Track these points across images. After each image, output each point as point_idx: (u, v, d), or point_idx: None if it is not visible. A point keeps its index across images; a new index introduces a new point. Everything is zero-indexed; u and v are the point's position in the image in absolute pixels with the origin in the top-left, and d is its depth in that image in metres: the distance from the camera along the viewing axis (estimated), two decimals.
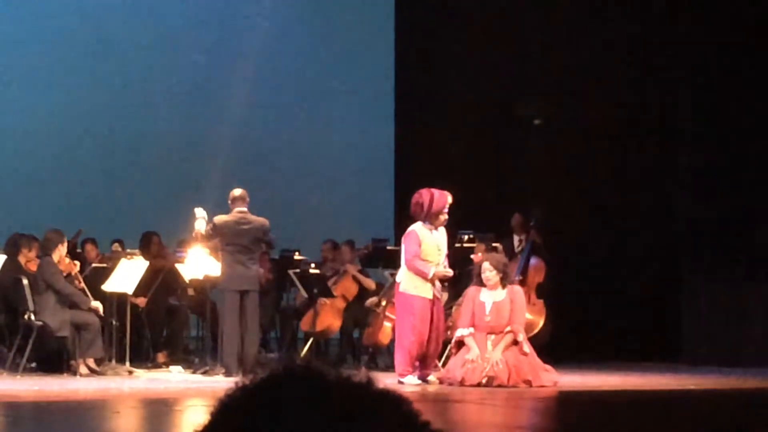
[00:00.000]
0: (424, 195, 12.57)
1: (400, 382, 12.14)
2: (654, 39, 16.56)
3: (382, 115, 18.94)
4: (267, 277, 14.74)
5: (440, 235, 12.60)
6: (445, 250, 12.62)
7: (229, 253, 12.96)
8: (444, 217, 12.53)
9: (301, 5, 20.67)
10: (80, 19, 19.43)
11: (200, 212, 13.10)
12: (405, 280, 12.53)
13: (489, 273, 12.58)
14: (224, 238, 12.99)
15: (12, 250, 13.25)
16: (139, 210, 17.87)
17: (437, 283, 12.51)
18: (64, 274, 12.90)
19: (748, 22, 15.47)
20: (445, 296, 12.92)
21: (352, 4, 20.33)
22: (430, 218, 12.48)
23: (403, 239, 12.69)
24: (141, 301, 13.87)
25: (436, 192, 12.54)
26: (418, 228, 12.52)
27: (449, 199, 12.53)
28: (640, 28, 16.60)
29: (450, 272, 12.61)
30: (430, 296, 12.45)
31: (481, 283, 12.66)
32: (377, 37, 19.33)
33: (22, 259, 13.16)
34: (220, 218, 13.03)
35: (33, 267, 13.06)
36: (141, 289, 13.54)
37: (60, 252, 12.89)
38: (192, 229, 13.20)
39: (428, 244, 12.45)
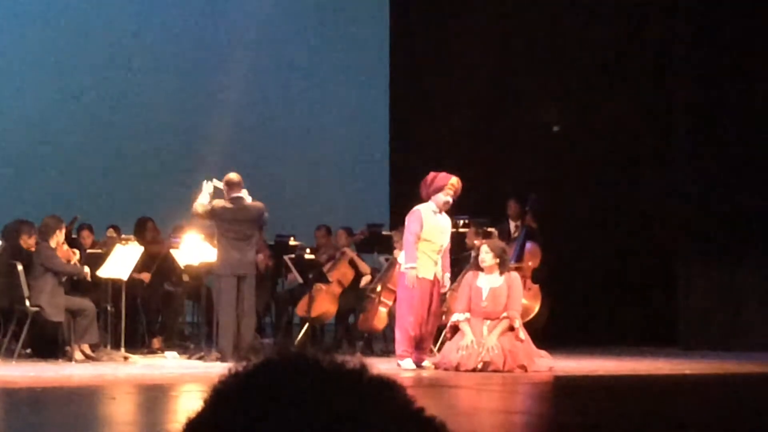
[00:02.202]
0: (430, 175, 12.68)
1: (398, 365, 12.15)
2: (652, 36, 16.55)
3: (377, 101, 18.93)
4: (267, 263, 14.73)
5: (444, 219, 12.64)
6: (448, 235, 12.65)
7: (226, 238, 12.96)
8: (446, 198, 12.54)
9: None
10: (78, 8, 19.40)
11: (208, 186, 13.10)
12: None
13: (485, 254, 12.59)
14: (222, 224, 12.97)
15: (13, 236, 13.24)
16: (134, 196, 17.87)
17: (439, 264, 12.51)
18: (66, 262, 12.91)
19: (749, 22, 15.46)
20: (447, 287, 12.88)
21: None
22: (431, 193, 12.51)
23: (406, 217, 12.69)
24: (146, 276, 13.94)
25: (443, 173, 12.63)
26: (423, 208, 12.56)
27: (453, 180, 12.54)
28: (638, 26, 16.58)
29: (412, 282, 12.47)
30: (431, 277, 12.47)
31: (478, 268, 12.67)
32: (372, 23, 19.32)
33: (23, 245, 13.12)
34: (219, 203, 13.01)
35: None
36: (144, 266, 13.60)
37: (57, 238, 12.90)
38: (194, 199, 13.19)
39: (431, 225, 12.48)
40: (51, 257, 12.73)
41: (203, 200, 13.05)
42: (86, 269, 12.99)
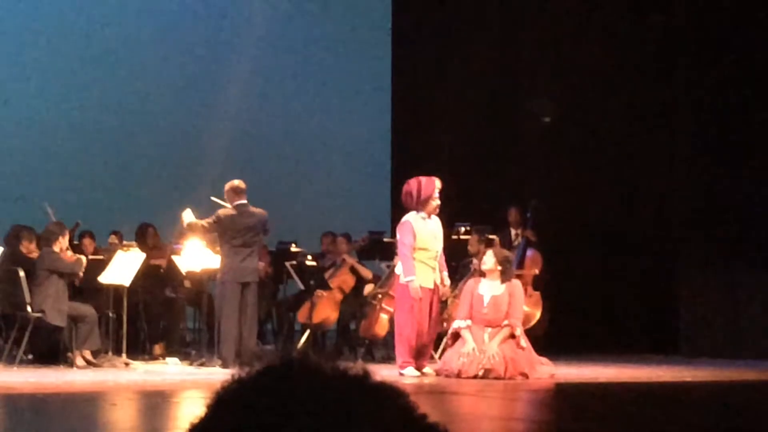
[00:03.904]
0: (411, 184, 12.56)
1: (401, 374, 12.13)
2: (652, 34, 16.55)
3: (379, 107, 18.93)
4: (267, 270, 14.73)
5: (434, 223, 12.58)
6: (441, 238, 12.61)
7: (230, 245, 12.92)
8: (435, 203, 12.48)
9: None
10: (78, 13, 19.41)
11: (187, 214, 13.13)
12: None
13: (487, 258, 12.58)
14: (227, 232, 12.92)
15: (14, 242, 13.23)
16: (136, 203, 17.86)
17: (437, 270, 12.48)
18: None
19: (747, 20, 15.46)
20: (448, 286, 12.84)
21: None
22: (421, 205, 12.45)
23: (397, 229, 12.67)
24: (162, 262, 13.98)
25: (423, 179, 12.52)
26: (411, 218, 12.49)
27: (438, 183, 12.49)
28: (638, 24, 16.58)
29: (418, 293, 12.45)
30: (431, 285, 12.43)
31: (481, 275, 12.66)
32: (374, 29, 19.32)
33: (23, 251, 13.12)
34: (224, 212, 12.97)
35: (34, 257, 13.05)
36: (146, 269, 13.68)
37: (61, 244, 12.90)
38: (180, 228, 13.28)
39: (423, 233, 12.43)
40: (56, 260, 12.74)
41: (190, 218, 13.03)
42: (83, 258, 13.01)
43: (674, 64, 16.21)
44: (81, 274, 13.01)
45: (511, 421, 9.55)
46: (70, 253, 13.06)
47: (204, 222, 13.02)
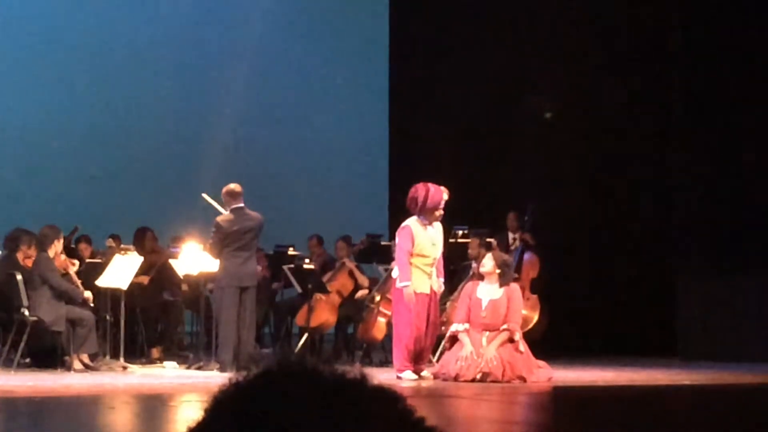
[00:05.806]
0: (420, 190, 12.50)
1: (399, 377, 12.13)
2: (650, 37, 16.57)
3: (377, 111, 18.95)
4: (264, 274, 14.73)
5: (435, 231, 12.55)
6: (440, 246, 12.59)
7: (228, 249, 12.89)
8: (439, 212, 12.48)
9: (296, 1, 20.68)
10: (77, 16, 19.43)
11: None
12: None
13: (486, 260, 12.56)
14: (227, 237, 12.86)
15: (11, 246, 13.20)
16: (134, 206, 17.86)
17: (434, 276, 12.47)
18: (62, 272, 12.88)
19: (746, 22, 15.47)
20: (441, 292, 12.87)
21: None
22: (425, 213, 12.43)
23: (397, 233, 12.65)
24: (144, 279, 13.91)
25: (432, 187, 12.47)
26: (412, 223, 12.47)
27: (445, 195, 12.47)
28: (637, 24, 16.60)
29: (411, 300, 12.45)
30: (428, 291, 12.42)
31: (480, 278, 12.65)
32: (371, 33, 19.34)
33: (20, 256, 13.09)
34: (223, 219, 12.91)
35: (30, 264, 13.02)
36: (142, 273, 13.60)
37: (56, 248, 12.88)
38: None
39: (422, 239, 12.40)
40: (49, 270, 12.69)
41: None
42: (88, 294, 12.92)
43: (673, 65, 16.22)
44: (88, 299, 12.95)
45: (508, 425, 9.55)
46: (63, 257, 13.04)
47: (209, 242, 13.02)
